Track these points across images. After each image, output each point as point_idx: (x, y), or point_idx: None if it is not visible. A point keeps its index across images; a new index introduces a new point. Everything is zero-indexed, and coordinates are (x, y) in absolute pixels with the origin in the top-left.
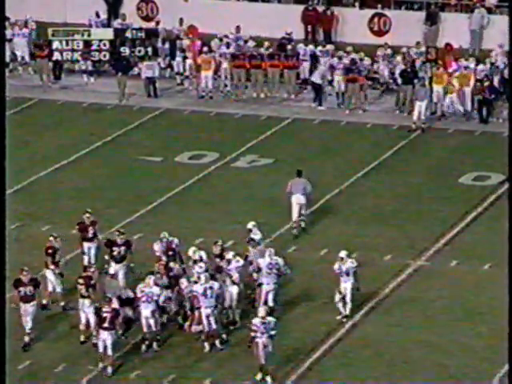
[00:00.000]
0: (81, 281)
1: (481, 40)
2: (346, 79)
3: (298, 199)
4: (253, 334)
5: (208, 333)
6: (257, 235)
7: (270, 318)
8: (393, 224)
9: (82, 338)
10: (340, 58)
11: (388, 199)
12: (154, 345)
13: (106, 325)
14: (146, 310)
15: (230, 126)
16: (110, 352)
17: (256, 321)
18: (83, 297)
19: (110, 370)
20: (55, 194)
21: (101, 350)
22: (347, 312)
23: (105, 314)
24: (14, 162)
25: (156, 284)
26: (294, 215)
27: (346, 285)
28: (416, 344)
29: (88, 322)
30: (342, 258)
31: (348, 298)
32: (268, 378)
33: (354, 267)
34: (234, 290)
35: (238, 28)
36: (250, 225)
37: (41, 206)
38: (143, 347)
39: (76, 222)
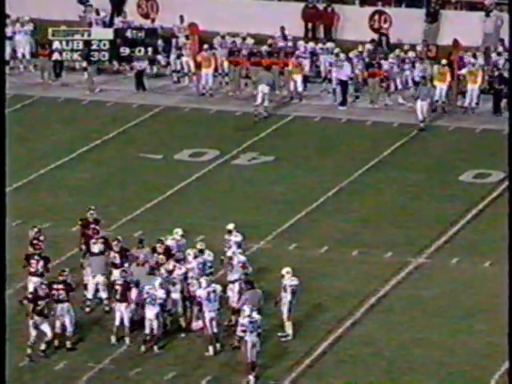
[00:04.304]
0: (61, 286)
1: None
2: (367, 74)
3: (263, 88)
4: (242, 333)
5: (211, 336)
6: (237, 237)
7: (256, 316)
8: (393, 221)
9: (63, 344)
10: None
11: (388, 197)
12: (155, 348)
13: (117, 297)
14: (150, 312)
15: (230, 123)
16: (126, 323)
17: (244, 320)
18: (61, 301)
19: (127, 340)
20: (55, 192)
21: (117, 323)
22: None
23: (117, 287)
24: (15, 160)
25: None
26: (258, 100)
27: (285, 300)
28: (416, 342)
29: (63, 326)
30: (283, 275)
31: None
32: (251, 377)
33: (294, 285)
34: (178, 297)
35: (282, 29)
36: (231, 226)
37: (41, 204)
38: (142, 348)
39: (76, 219)
